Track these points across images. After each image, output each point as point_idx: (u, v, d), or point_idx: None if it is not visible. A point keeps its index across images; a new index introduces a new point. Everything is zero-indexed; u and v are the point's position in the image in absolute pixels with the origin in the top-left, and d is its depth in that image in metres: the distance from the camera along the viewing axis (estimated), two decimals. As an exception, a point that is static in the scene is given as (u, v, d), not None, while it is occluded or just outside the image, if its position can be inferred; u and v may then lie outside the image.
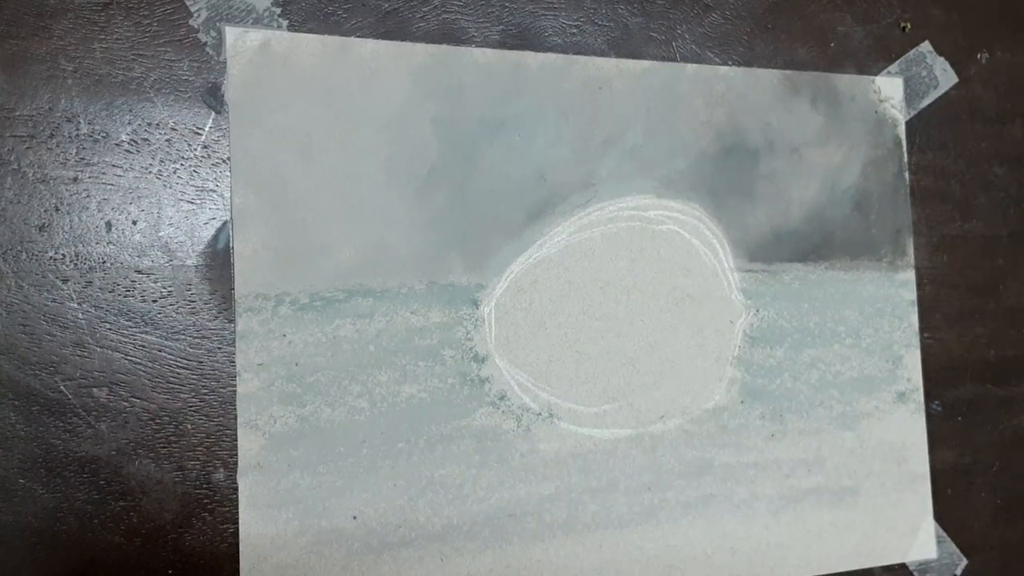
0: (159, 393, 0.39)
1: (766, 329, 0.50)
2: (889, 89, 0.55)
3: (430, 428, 0.43)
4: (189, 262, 0.40)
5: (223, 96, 0.41)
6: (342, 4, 0.44)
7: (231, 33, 0.41)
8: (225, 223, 0.41)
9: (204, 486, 0.40)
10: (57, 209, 0.39)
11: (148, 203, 0.40)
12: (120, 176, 0.39)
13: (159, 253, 0.40)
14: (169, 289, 0.40)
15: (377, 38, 0.44)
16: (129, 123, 0.40)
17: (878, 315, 0.53)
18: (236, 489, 0.40)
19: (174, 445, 0.39)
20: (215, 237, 0.41)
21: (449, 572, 0.43)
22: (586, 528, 0.46)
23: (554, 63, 0.47)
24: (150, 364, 0.39)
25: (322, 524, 0.41)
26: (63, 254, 0.38)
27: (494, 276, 0.45)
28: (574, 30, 0.48)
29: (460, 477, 0.44)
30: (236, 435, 0.40)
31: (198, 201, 0.41)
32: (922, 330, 0.54)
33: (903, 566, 0.53)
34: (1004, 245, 0.58)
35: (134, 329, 0.39)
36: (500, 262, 0.45)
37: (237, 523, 0.40)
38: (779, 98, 0.52)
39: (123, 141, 0.40)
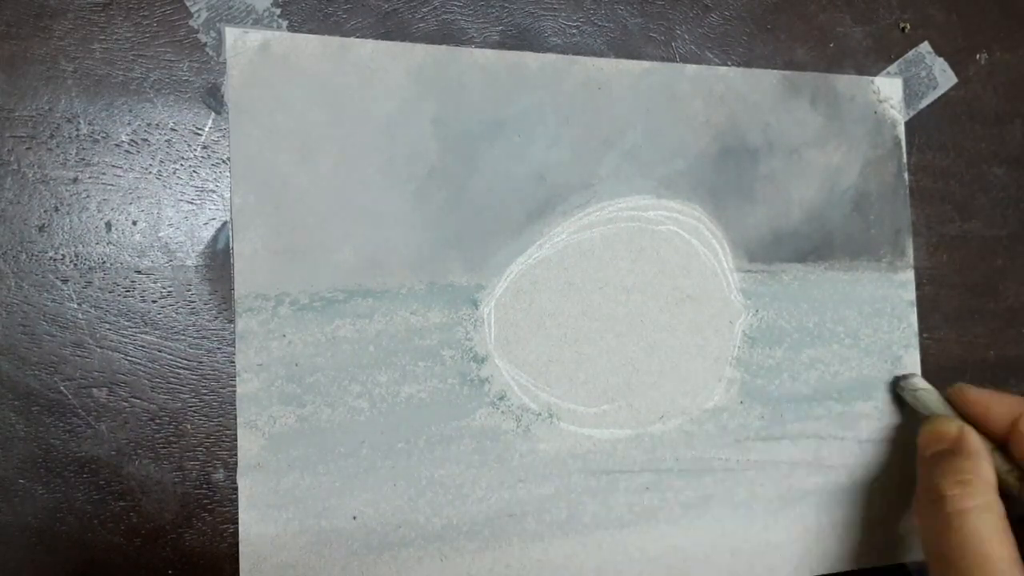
0: (159, 393, 0.39)
1: (765, 329, 0.50)
2: (888, 90, 0.55)
3: (430, 428, 0.43)
4: (189, 262, 0.40)
5: (223, 96, 0.41)
6: (342, 4, 0.44)
7: (231, 34, 0.41)
8: (225, 223, 0.41)
9: (204, 486, 0.40)
10: (57, 209, 0.39)
11: (148, 203, 0.40)
12: (120, 176, 0.39)
13: (159, 253, 0.40)
14: (169, 289, 0.40)
15: (377, 38, 0.44)
16: (129, 123, 0.40)
17: (877, 315, 0.53)
18: (236, 489, 0.40)
19: (174, 445, 0.39)
20: (215, 237, 0.41)
21: (449, 572, 0.43)
22: (586, 528, 0.46)
23: (554, 63, 0.47)
24: (150, 364, 0.39)
25: (322, 524, 0.41)
26: (63, 254, 0.38)
27: (494, 276, 0.45)
28: (574, 31, 0.48)
29: (460, 477, 0.44)
30: (236, 435, 0.40)
31: (198, 201, 0.41)
32: (921, 330, 0.55)
33: (902, 566, 0.53)
34: (1004, 245, 0.58)
35: (134, 329, 0.39)
36: (500, 262, 0.45)
37: (237, 523, 0.40)
38: (779, 99, 0.52)
39: (123, 141, 0.40)
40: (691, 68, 0.50)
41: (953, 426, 0.46)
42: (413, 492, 0.43)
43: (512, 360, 0.45)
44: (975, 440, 0.45)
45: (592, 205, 0.47)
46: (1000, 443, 0.46)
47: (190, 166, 0.41)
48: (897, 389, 0.53)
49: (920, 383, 0.51)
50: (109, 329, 0.39)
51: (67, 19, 0.39)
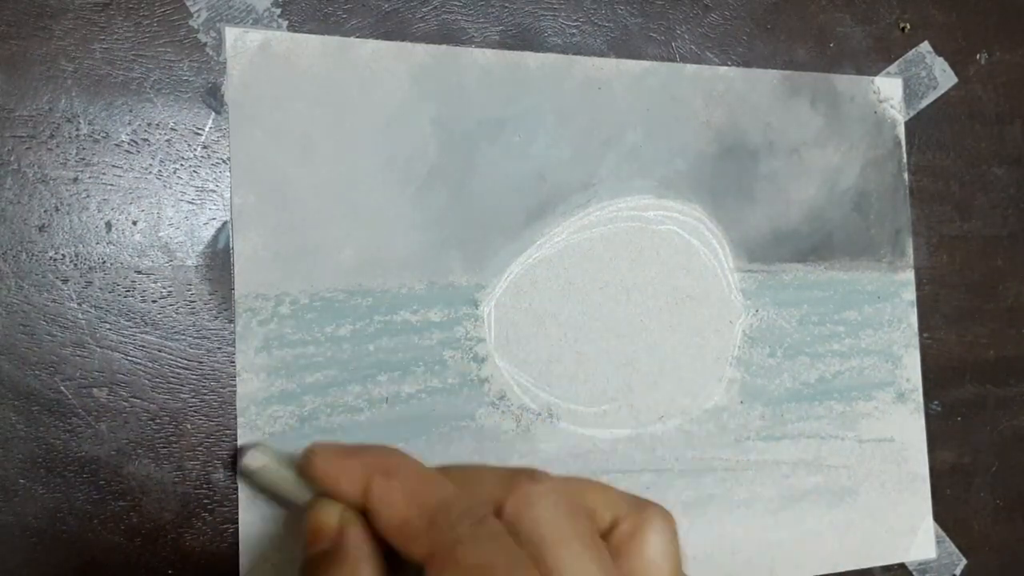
0: (159, 393, 0.39)
1: (765, 329, 0.50)
2: (888, 89, 0.55)
3: (430, 428, 0.43)
4: (189, 262, 0.40)
5: (223, 96, 0.41)
6: (342, 4, 0.44)
7: (231, 33, 0.41)
8: (225, 223, 0.41)
9: (204, 486, 0.40)
10: (57, 209, 0.39)
11: (148, 203, 0.40)
12: (120, 176, 0.39)
13: (159, 253, 0.40)
14: (169, 289, 0.40)
15: (377, 38, 0.44)
16: (129, 123, 0.40)
17: (877, 315, 0.53)
18: (236, 489, 0.40)
19: (174, 445, 0.39)
20: (215, 237, 0.41)
21: (449, 572, 0.43)
22: (586, 528, 0.46)
23: (554, 63, 0.47)
24: (150, 364, 0.39)
25: (322, 524, 0.41)
26: (63, 254, 0.38)
27: (494, 276, 0.45)
28: (574, 30, 0.48)
29: (460, 477, 0.44)
30: (236, 435, 0.40)
31: (198, 201, 0.41)
32: (921, 330, 0.55)
33: (902, 566, 0.53)
34: (1004, 245, 0.58)
35: (134, 329, 0.39)
36: (500, 262, 0.45)
37: (237, 523, 0.40)
38: (779, 98, 0.52)
39: (123, 141, 0.40)
40: (691, 68, 0.50)
41: (333, 516, 0.32)
42: (413, 492, 0.43)
43: (512, 360, 0.45)
44: (355, 536, 0.32)
45: (592, 205, 0.47)
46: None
47: (190, 166, 0.40)
48: (240, 472, 0.39)
49: (258, 459, 0.36)
50: (109, 329, 0.39)
51: (67, 19, 0.39)
